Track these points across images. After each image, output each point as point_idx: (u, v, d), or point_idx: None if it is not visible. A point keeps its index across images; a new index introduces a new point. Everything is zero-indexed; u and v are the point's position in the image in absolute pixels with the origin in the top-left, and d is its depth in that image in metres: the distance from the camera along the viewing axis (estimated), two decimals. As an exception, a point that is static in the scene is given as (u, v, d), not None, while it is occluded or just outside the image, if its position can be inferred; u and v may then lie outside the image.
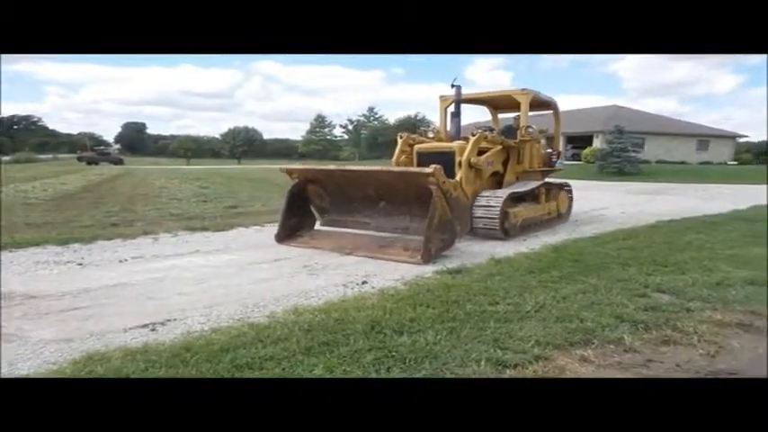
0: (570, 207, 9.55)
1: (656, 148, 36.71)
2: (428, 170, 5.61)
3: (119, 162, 49.10)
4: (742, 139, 46.53)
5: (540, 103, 8.87)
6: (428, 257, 5.50)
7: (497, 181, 7.94)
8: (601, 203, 12.06)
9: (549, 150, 9.36)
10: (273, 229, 7.78)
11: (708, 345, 3.15)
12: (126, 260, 5.46)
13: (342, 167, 7.28)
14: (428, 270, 5.03)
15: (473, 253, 5.94)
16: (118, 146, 79.21)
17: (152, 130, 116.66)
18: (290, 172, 7.01)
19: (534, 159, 8.44)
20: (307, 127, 78.58)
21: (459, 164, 6.96)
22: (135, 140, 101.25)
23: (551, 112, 9.56)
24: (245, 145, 73.98)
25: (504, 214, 6.97)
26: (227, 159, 69.68)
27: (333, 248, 6.24)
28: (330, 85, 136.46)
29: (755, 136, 70.63)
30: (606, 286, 4.36)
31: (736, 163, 39.37)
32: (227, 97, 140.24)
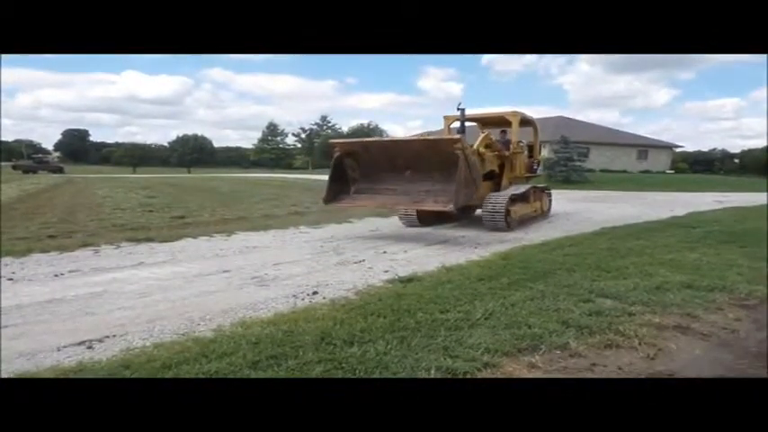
0: (550, 206, 11.61)
1: (599, 157, 38.20)
2: (455, 137, 7.16)
3: (59, 170, 46.87)
4: (678, 149, 49.21)
5: (524, 122, 10.44)
6: (457, 205, 6.98)
7: (496, 183, 9.70)
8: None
9: (531, 159, 11.26)
10: (223, 239, 7.61)
11: (647, 347, 3.26)
12: (62, 274, 5.17)
13: (377, 139, 8.66)
14: (379, 279, 5.02)
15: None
16: (58, 153, 75.70)
17: (96, 137, 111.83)
18: (332, 146, 8.22)
19: (522, 167, 10.48)
20: (258, 135, 77.37)
21: None
22: (77, 148, 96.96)
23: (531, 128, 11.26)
24: (194, 153, 71.98)
25: (507, 211, 8.72)
26: (176, 168, 67.53)
27: (376, 206, 7.81)
28: (282, 93, 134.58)
29: (690, 146, 75.05)
30: (553, 292, 4.46)
31: (673, 172, 41.50)
32: (176, 104, 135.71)
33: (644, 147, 43.98)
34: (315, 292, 4.52)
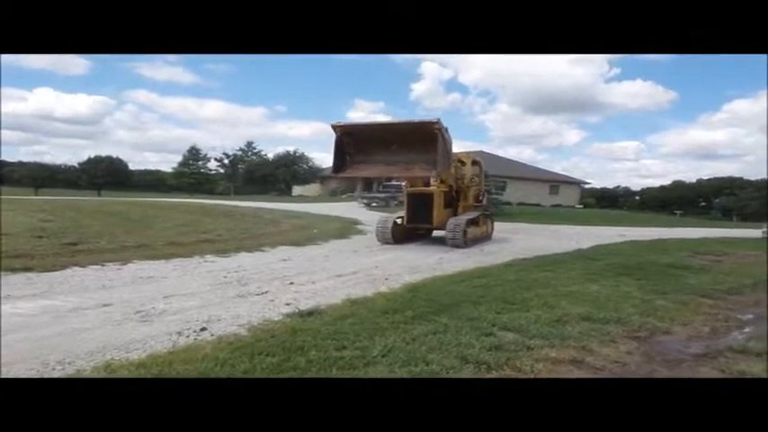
0: (493, 229, 14.03)
1: (516, 191, 39.94)
2: (434, 120, 8.94)
3: (-56, 190, 42.30)
4: (587, 186, 52.72)
5: (474, 162, 13.43)
6: (437, 171, 9.64)
7: (454, 209, 12.16)
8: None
9: (478, 192, 13.50)
10: (116, 268, 6.98)
11: (542, 383, 3.20)
12: None
13: (370, 122, 11.03)
14: (279, 312, 4.72)
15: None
16: (-55, 172, 68.50)
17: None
18: (334, 127, 9.70)
19: (472, 198, 12.95)
20: (179, 159, 73.89)
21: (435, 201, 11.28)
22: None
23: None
24: (107, 175, 67.54)
25: (465, 232, 10.96)
26: (86, 191, 62.94)
27: (371, 174, 10.82)
28: (209, 117, 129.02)
29: (597, 183, 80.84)
30: (456, 325, 4.38)
31: (582, 206, 44.17)
32: (94, 124, 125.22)
33: (556, 182, 46.64)
34: (203, 329, 4.14)
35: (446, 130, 9.17)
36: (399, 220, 11.67)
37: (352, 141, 9.85)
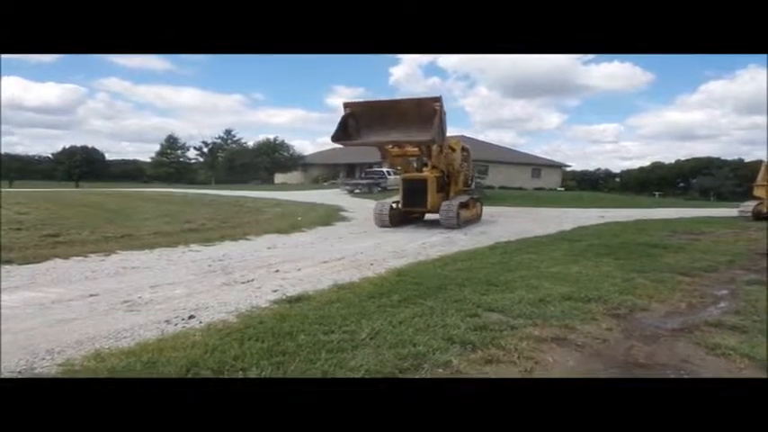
0: (482, 212, 14.79)
1: (498, 174, 40.26)
2: (436, 97, 9.86)
3: None
4: (568, 168, 53.29)
5: (463, 149, 13.80)
6: (433, 139, 9.98)
7: (446, 193, 12.80)
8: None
9: (467, 177, 14.26)
10: (99, 259, 6.92)
11: (526, 361, 3.29)
12: None
13: (376, 100, 10.90)
14: (266, 300, 4.75)
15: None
16: None
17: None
18: (345, 105, 10.44)
19: (461, 183, 13.65)
20: (157, 148, 72.52)
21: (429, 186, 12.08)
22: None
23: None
24: (83, 166, 66.10)
25: (458, 214, 11.85)
26: (62, 182, 61.67)
27: (371, 144, 10.96)
28: (185, 105, 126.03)
29: (578, 166, 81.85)
30: (442, 308, 4.45)
31: (563, 189, 44.70)
32: (67, 114, 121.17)
33: (537, 166, 47.04)
34: (191, 317, 4.15)
35: (444, 113, 10.00)
36: (395, 205, 12.46)
37: (356, 121, 10.44)
